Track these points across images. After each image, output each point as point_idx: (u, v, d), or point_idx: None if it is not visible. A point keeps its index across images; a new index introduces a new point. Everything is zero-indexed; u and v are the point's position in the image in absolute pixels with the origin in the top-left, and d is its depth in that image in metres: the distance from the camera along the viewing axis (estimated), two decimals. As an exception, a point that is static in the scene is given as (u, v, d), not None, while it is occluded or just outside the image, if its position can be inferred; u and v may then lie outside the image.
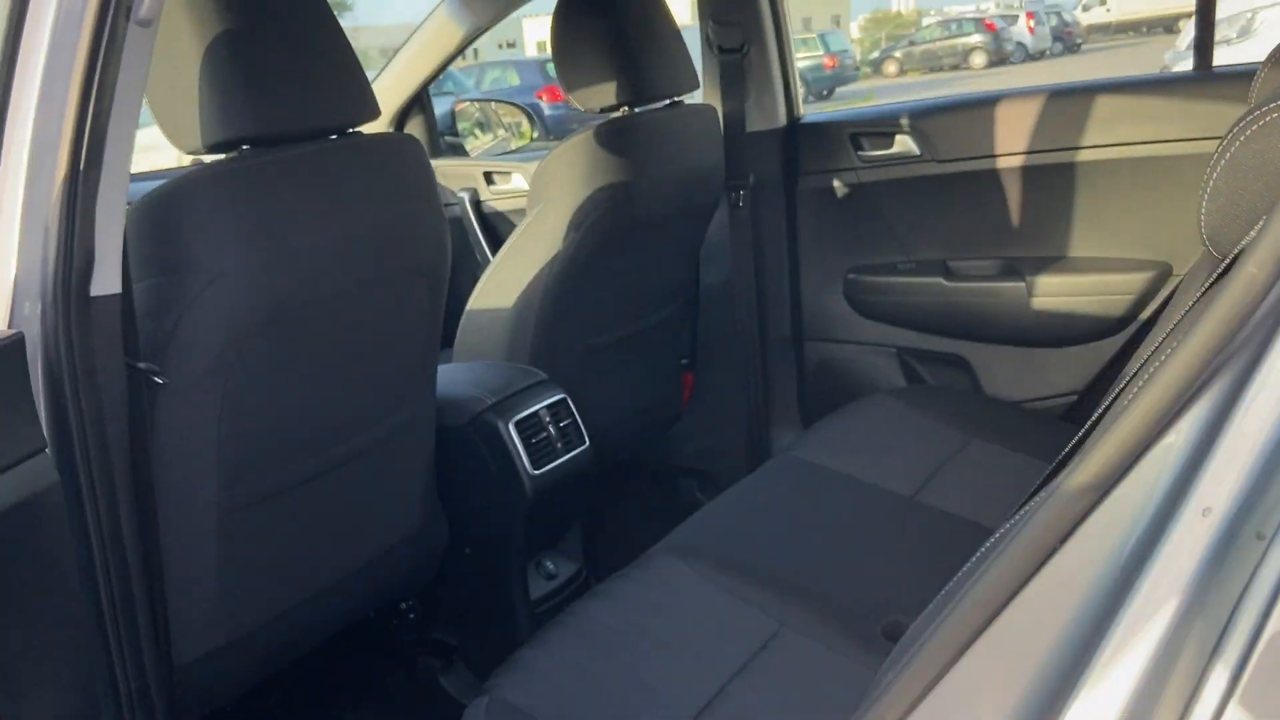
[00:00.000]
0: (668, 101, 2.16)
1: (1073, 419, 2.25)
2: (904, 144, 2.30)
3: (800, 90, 2.46)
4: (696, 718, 1.31)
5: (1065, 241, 2.18)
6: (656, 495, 2.71)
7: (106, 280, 1.15)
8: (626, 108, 2.06)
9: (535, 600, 2.00)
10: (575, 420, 2.02)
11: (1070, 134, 2.10)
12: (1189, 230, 2.04)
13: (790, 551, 1.68)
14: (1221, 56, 6.20)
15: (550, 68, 15.19)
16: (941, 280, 2.30)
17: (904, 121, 2.28)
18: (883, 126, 2.32)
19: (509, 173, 2.88)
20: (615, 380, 2.34)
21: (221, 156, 1.35)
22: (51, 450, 1.15)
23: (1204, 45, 1.98)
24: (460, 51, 2.67)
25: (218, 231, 1.30)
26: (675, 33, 2.11)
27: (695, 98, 2.26)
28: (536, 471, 1.90)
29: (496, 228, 2.89)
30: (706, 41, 2.36)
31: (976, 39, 23.46)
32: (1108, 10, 29.02)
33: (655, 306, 2.34)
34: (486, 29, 2.63)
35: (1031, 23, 23.81)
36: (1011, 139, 2.16)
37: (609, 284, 2.15)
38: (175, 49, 1.29)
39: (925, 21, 29.43)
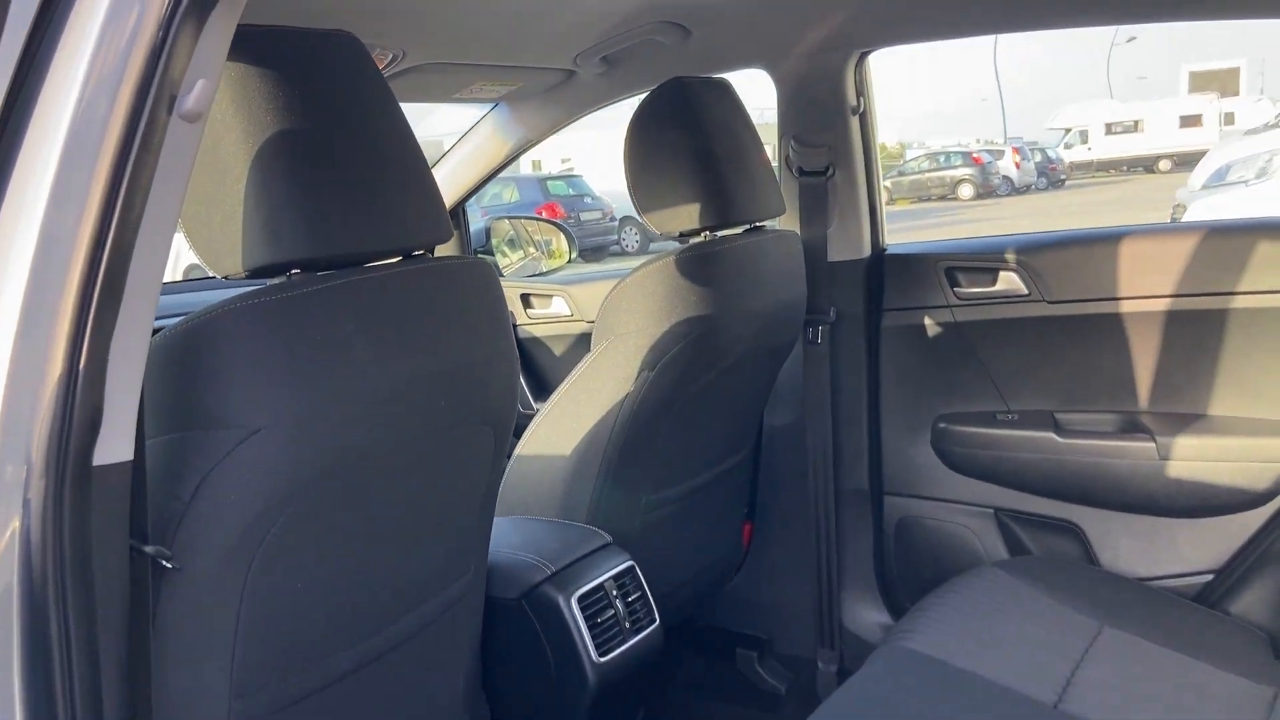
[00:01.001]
0: (749, 226, 1.92)
1: (1207, 601, 1.95)
2: (1009, 281, 2.06)
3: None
4: None
5: (1199, 397, 1.92)
6: (709, 667, 2.37)
7: (115, 445, 0.85)
8: (708, 232, 1.82)
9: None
10: (645, 593, 1.71)
11: (1207, 277, 1.87)
12: (1350, 391, 1.80)
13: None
14: (1239, 197, 6.15)
15: (550, 184, 15.30)
16: (1052, 435, 2.03)
17: (1009, 256, 2.05)
18: (984, 261, 2.08)
19: (550, 296, 2.63)
20: (678, 540, 2.04)
21: (266, 282, 1.08)
22: (20, 676, 0.83)
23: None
24: (507, 165, 2.45)
25: (257, 377, 1.02)
26: (762, 150, 1.88)
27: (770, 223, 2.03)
28: (602, 659, 1.58)
29: (533, 356, 2.62)
30: (786, 163, 2.14)
31: (964, 171, 23.97)
32: (1089, 149, 29.86)
33: (724, 455, 2.06)
34: (537, 142, 2.42)
35: (1017, 158, 24.39)
36: (1137, 280, 1.93)
37: (681, 430, 1.87)
38: (219, 150, 1.04)
39: (910, 154, 30.13)
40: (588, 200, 14.59)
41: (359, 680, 1.27)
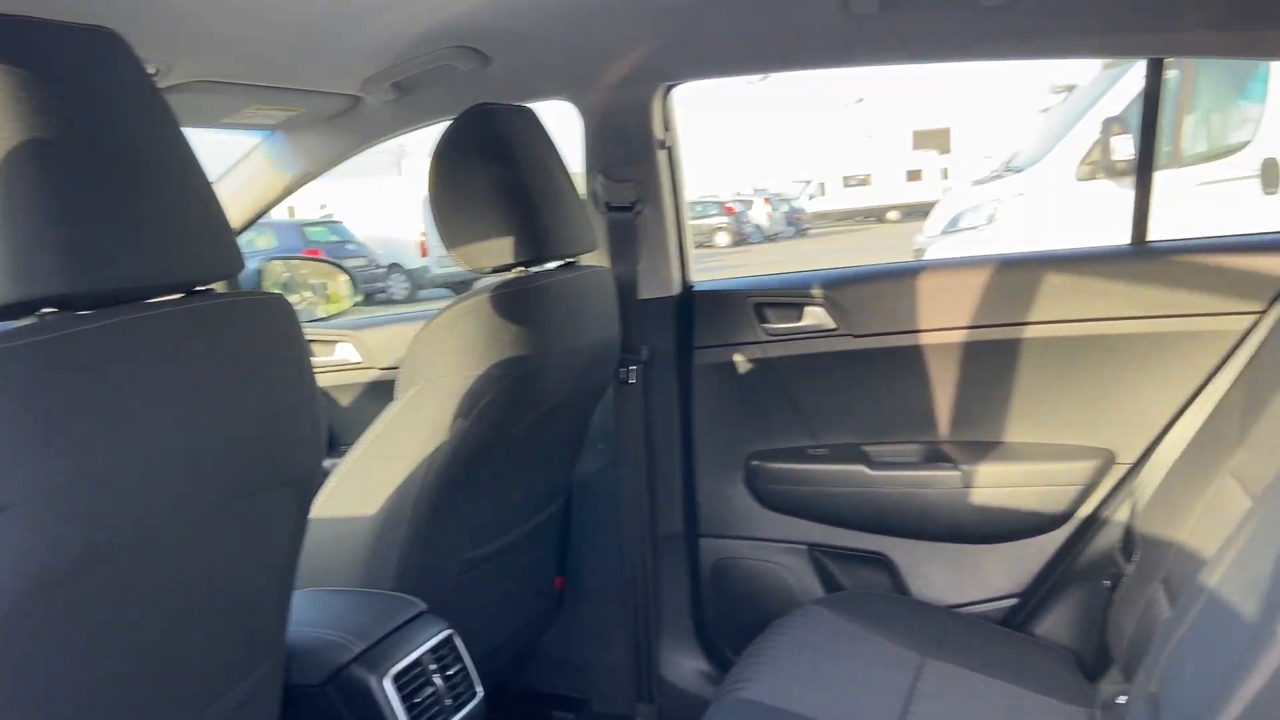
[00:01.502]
0: (563, 262, 1.82)
1: (1014, 624, 2.01)
2: (816, 316, 2.06)
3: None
4: None
5: (999, 426, 1.99)
6: (523, 731, 2.22)
7: None
8: (523, 268, 1.70)
9: None
10: (465, 664, 1.55)
11: (1002, 309, 1.94)
12: (1132, 414, 1.91)
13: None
14: (972, 240, 6.65)
15: (309, 230, 14.59)
16: (863, 468, 2.04)
17: (816, 291, 2.05)
18: (791, 296, 2.08)
19: (333, 342, 2.42)
20: (493, 600, 1.89)
21: (14, 324, 0.87)
22: None
23: (1141, 220, 1.89)
24: (282, 199, 2.23)
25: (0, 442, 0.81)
26: (571, 183, 1.80)
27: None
28: (423, 742, 1.41)
29: (317, 407, 2.38)
30: (593, 198, 2.06)
31: (720, 220, 25.00)
32: (828, 200, 31.98)
33: (542, 504, 1.94)
34: (317, 175, 2.22)
35: (768, 207, 25.75)
36: (937, 313, 1.98)
37: (499, 480, 1.74)
38: None
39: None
40: (350, 246, 14.08)
41: None
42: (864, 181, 31.80)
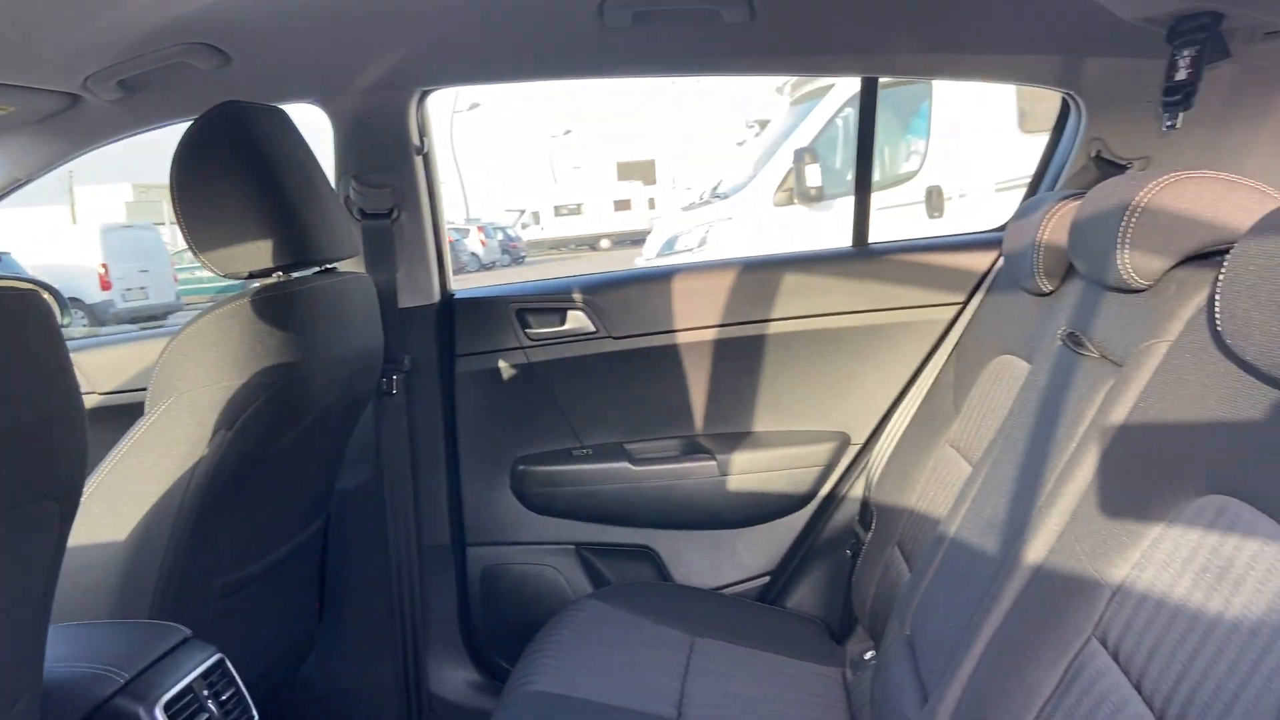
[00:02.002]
0: (320, 269, 1.77)
1: (768, 599, 2.16)
2: (577, 319, 2.13)
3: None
4: None
5: (748, 417, 2.13)
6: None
7: None
8: (282, 273, 1.64)
9: None
10: (239, 688, 1.46)
11: (746, 308, 2.09)
12: (862, 398, 2.11)
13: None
14: (684, 260, 7.08)
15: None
16: (627, 465, 2.12)
17: (577, 296, 2.12)
18: (553, 301, 2.13)
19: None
20: (256, 626, 1.79)
21: None
22: None
23: (861, 227, 2.11)
24: (-14, 206, 2.00)
25: None
26: (330, 186, 1.75)
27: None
28: (201, 772, 1.32)
29: None
30: (347, 205, 2.01)
31: (435, 249, 24.70)
32: (542, 229, 32.48)
33: (306, 521, 1.86)
34: (27, 182, 2.01)
35: (482, 236, 25.76)
36: (690, 314, 2.10)
37: (264, 495, 1.65)
38: None
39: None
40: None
41: None
42: (575, 211, 32.57)
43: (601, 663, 1.73)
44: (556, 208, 32.62)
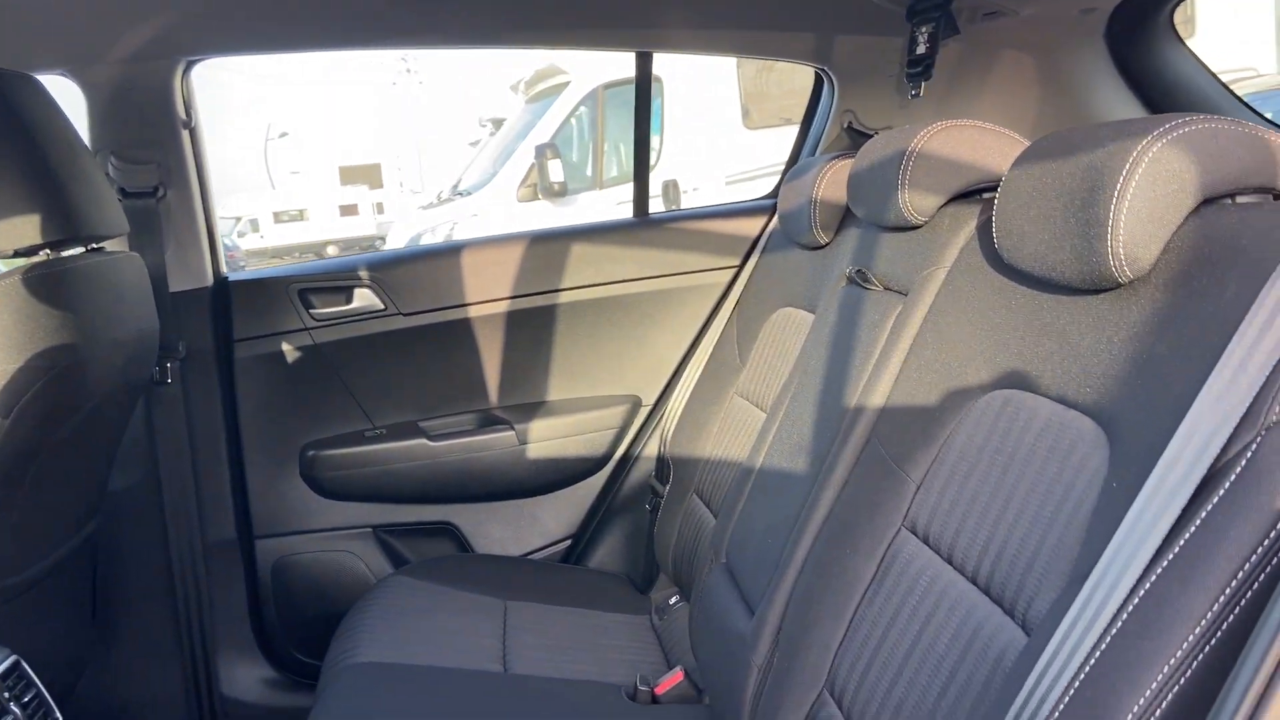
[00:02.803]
0: (89, 249, 1.65)
1: (571, 561, 2.22)
2: (364, 297, 2.09)
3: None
4: None
5: (543, 386, 2.18)
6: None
7: None
8: (49, 251, 1.51)
9: None
10: (40, 689, 1.35)
11: (536, 279, 2.14)
12: (651, 361, 2.22)
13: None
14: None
15: None
16: (425, 441, 2.11)
17: (363, 274, 2.08)
18: (337, 280, 2.08)
19: None
20: (30, 639, 1.63)
21: None
22: None
23: (641, 198, 2.21)
24: None
25: None
26: (94, 160, 1.64)
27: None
28: (7, 783, 1.22)
29: None
30: (107, 180, 1.87)
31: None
32: (262, 237, 30.76)
33: (78, 526, 1.72)
34: None
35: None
36: (480, 287, 2.11)
37: (41, 494, 1.52)
38: None
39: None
40: None
41: None
42: (298, 217, 31.09)
43: (419, 631, 1.73)
44: (276, 214, 30.92)
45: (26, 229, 1.45)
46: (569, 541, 2.22)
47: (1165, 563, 0.72)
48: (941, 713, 0.95)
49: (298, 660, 2.12)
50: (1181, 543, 0.72)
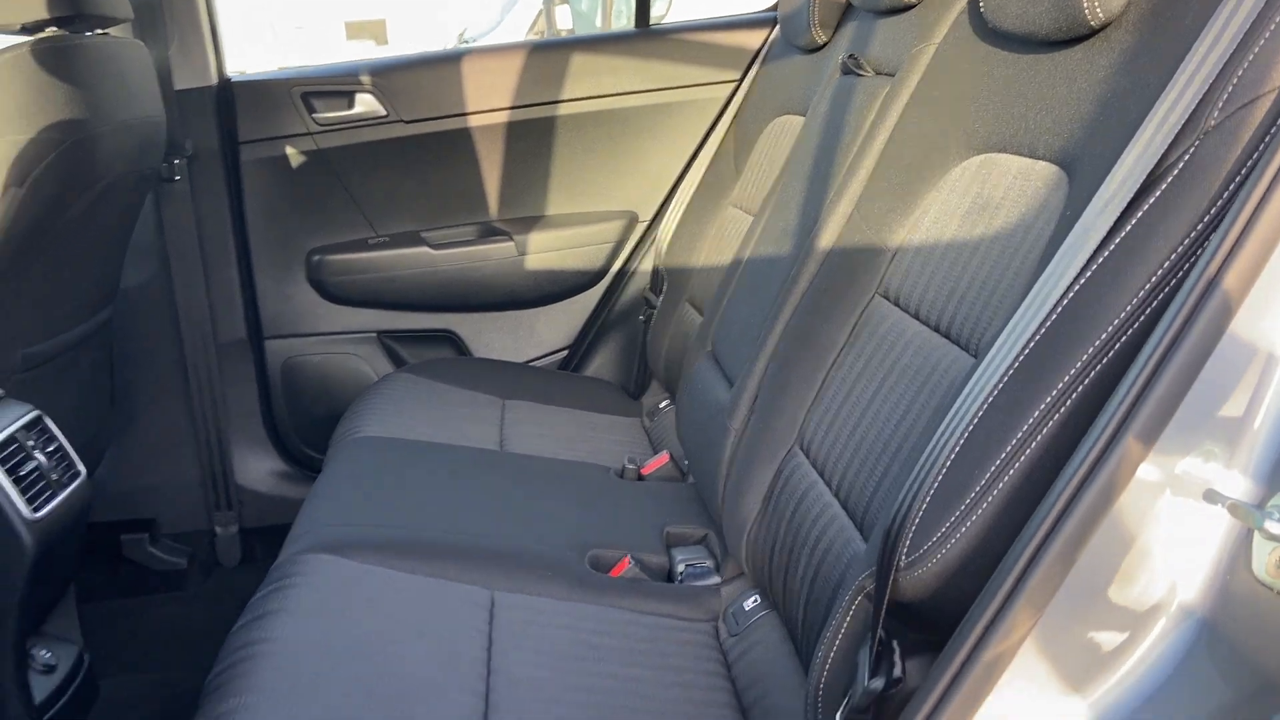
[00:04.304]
0: (94, 32, 1.67)
1: (567, 369, 2.30)
2: (367, 103, 2.11)
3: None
4: (488, 696, 1.06)
5: (542, 200, 2.22)
6: (95, 568, 2.06)
7: None
8: (56, 27, 1.54)
9: (40, 705, 1.39)
10: (62, 443, 1.45)
11: (536, 90, 2.15)
12: (648, 176, 2.25)
13: (443, 519, 1.44)
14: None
15: None
16: (427, 249, 2.16)
17: (365, 79, 2.09)
18: (339, 84, 2.10)
19: None
20: (48, 406, 1.73)
21: None
22: None
23: (643, 8, 2.20)
24: None
25: None
26: None
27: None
28: (36, 515, 1.32)
29: None
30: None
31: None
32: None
33: (97, 306, 1.79)
34: None
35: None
36: (481, 96, 2.13)
37: (57, 268, 1.59)
38: None
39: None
40: None
41: None
42: (303, 74, 30.45)
43: (421, 416, 1.82)
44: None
45: (33, 3, 1.47)
46: (565, 351, 2.29)
47: (1100, 261, 0.78)
48: (897, 439, 1.03)
49: (307, 455, 2.23)
50: (1118, 240, 0.78)
